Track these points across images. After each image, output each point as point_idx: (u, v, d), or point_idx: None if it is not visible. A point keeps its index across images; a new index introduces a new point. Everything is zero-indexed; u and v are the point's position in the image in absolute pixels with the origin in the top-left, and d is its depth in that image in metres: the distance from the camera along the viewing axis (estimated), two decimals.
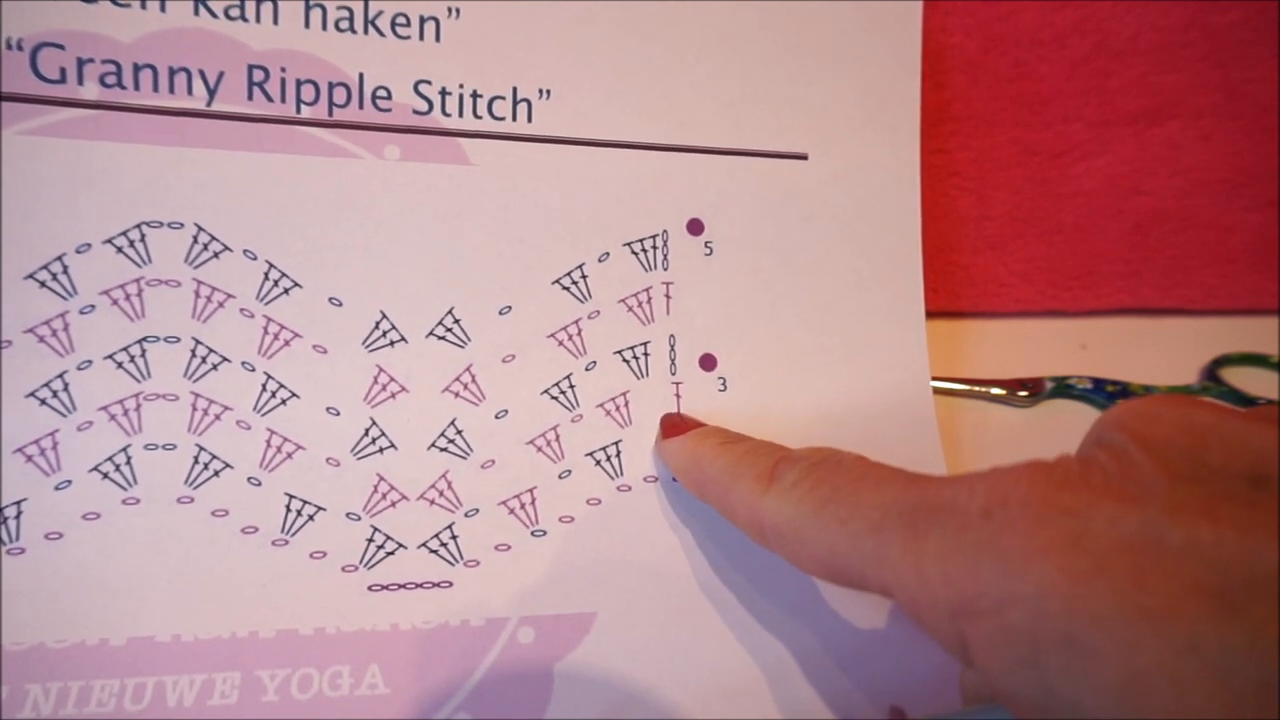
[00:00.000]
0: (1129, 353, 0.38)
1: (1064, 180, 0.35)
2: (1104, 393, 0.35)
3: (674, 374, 0.27)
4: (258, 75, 0.25)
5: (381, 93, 0.26)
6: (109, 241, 0.24)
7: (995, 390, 0.34)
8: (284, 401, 0.25)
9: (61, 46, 0.24)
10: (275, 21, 0.25)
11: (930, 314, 0.29)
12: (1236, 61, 0.35)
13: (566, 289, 0.27)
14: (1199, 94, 0.35)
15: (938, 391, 0.29)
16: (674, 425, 0.26)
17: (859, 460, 0.20)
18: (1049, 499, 0.16)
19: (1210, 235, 0.36)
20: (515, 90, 0.27)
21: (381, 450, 0.25)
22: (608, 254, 0.27)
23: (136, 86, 0.24)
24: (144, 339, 0.24)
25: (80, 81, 0.24)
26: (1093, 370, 0.36)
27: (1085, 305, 0.35)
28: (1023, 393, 0.34)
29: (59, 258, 0.23)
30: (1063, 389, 0.35)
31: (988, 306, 0.35)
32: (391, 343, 0.25)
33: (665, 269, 0.28)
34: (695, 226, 0.28)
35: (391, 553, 0.24)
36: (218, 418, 0.24)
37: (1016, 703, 0.16)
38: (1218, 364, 0.38)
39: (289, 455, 0.24)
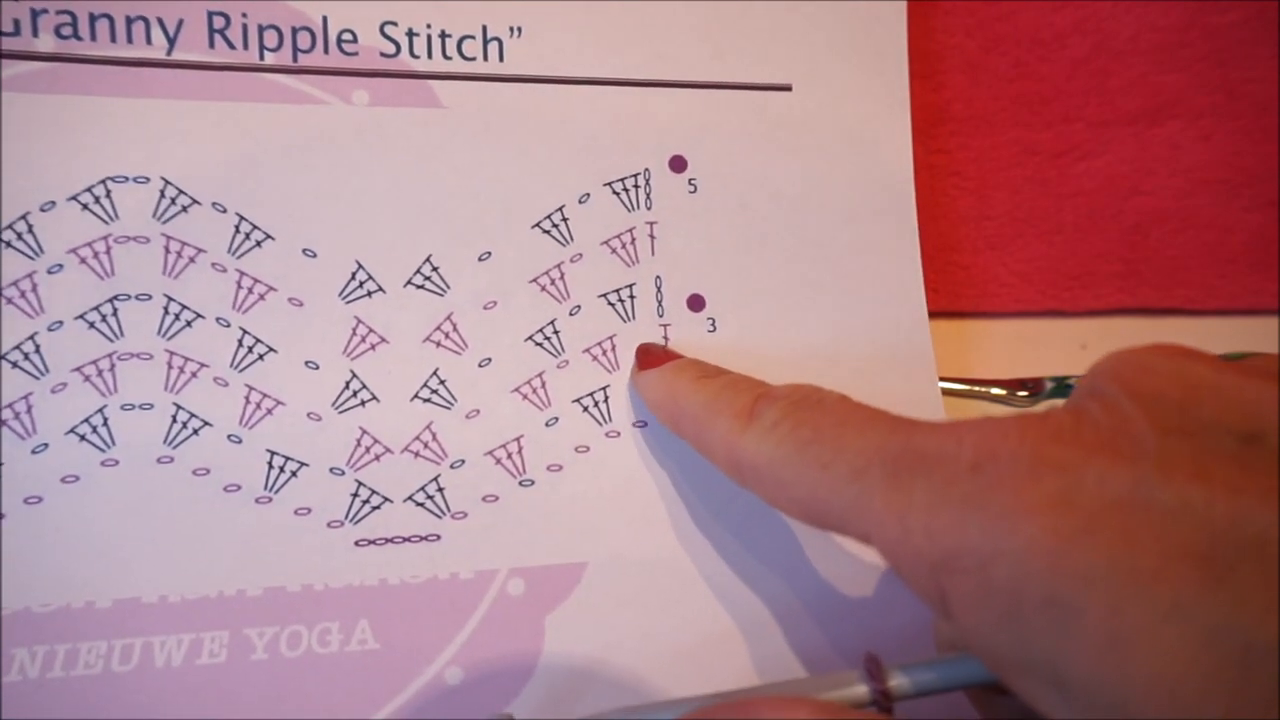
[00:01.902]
0: None
1: (1064, 180, 0.35)
2: None
3: (661, 316, 0.26)
4: (218, 22, 0.24)
5: (347, 36, 0.25)
6: (74, 198, 0.23)
7: (995, 390, 0.34)
8: (261, 356, 0.24)
9: None
10: None
11: (930, 314, 0.29)
12: (1236, 61, 0.35)
13: (547, 232, 0.26)
14: (1199, 94, 0.35)
15: None
16: (650, 356, 0.25)
17: (842, 400, 0.20)
18: (1039, 453, 0.15)
19: (1210, 235, 0.36)
20: (485, 29, 0.26)
21: (363, 403, 0.24)
22: (588, 195, 0.26)
23: (94, 37, 0.23)
24: (115, 297, 0.23)
25: (35, 33, 0.23)
26: None
27: (1085, 305, 0.35)
28: (1023, 393, 0.34)
29: (23, 216, 0.23)
30: (1063, 389, 0.34)
31: (988, 306, 0.34)
32: (369, 293, 0.25)
33: (648, 208, 0.27)
34: (678, 164, 0.27)
35: (377, 507, 0.24)
36: (194, 375, 0.24)
37: (994, 659, 0.16)
38: None
39: (269, 411, 0.24)
